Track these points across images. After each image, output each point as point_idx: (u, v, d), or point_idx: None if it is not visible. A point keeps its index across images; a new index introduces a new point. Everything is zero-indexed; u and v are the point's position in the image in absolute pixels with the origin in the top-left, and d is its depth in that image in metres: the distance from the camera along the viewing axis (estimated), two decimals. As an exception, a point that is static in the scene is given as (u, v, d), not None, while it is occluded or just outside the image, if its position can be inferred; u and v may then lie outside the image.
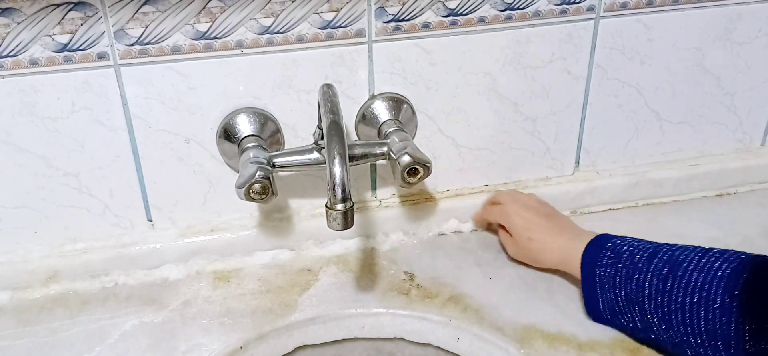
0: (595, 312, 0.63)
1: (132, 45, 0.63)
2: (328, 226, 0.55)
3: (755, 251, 0.73)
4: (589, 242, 0.64)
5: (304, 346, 0.68)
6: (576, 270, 0.65)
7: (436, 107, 0.73)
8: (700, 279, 0.54)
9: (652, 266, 0.58)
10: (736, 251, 0.56)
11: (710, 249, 0.57)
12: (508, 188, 0.79)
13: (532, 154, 0.79)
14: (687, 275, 0.55)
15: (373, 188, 0.77)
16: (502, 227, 0.73)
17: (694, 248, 0.58)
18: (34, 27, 0.60)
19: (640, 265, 0.59)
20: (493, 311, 0.66)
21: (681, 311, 0.55)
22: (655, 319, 0.57)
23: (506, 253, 0.73)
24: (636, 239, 0.63)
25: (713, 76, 0.79)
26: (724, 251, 0.56)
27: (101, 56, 0.63)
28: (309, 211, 0.76)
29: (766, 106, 0.83)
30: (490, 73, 0.72)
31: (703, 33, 0.75)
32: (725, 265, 0.54)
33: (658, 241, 0.61)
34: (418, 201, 0.78)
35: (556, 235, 0.68)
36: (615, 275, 0.60)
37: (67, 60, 0.62)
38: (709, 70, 0.78)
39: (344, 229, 0.55)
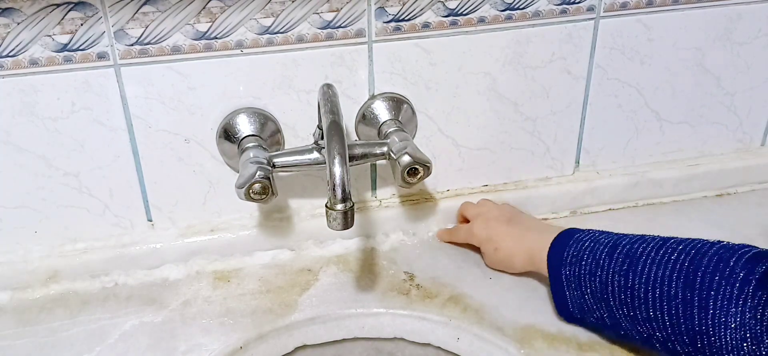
0: (565, 311, 0.63)
1: (132, 45, 0.63)
2: (328, 226, 0.55)
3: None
4: (553, 241, 0.64)
5: (304, 346, 0.68)
6: (544, 269, 0.64)
7: (436, 107, 0.73)
8: (660, 273, 0.54)
9: (613, 261, 0.58)
10: (693, 240, 0.56)
11: (667, 240, 0.57)
12: (508, 188, 0.79)
13: (532, 154, 0.79)
14: (646, 269, 0.55)
15: (373, 188, 0.77)
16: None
17: (653, 238, 0.58)
18: (34, 27, 0.60)
19: (601, 261, 0.59)
20: (493, 311, 0.67)
21: (644, 306, 0.55)
22: (622, 315, 0.57)
23: (484, 262, 0.73)
24: (598, 231, 0.62)
25: (713, 76, 0.79)
26: (680, 241, 0.56)
27: (101, 56, 0.63)
28: (309, 211, 0.76)
29: (766, 106, 0.83)
30: (490, 73, 0.72)
31: (703, 33, 0.75)
32: (683, 257, 0.54)
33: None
34: (418, 201, 0.78)
35: (520, 239, 0.68)
36: (579, 273, 0.60)
37: (67, 60, 0.62)
38: (709, 70, 0.78)
39: (344, 229, 0.55)
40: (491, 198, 0.78)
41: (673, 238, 0.57)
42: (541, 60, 0.72)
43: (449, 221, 0.78)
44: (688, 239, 0.57)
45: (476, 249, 0.74)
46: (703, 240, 0.56)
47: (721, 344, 0.50)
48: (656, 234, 0.62)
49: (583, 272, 0.60)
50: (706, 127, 0.82)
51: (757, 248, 0.54)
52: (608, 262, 0.58)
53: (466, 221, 0.75)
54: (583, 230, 0.63)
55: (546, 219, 0.80)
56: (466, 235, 0.74)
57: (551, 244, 0.64)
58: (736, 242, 0.55)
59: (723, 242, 0.55)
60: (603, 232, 0.62)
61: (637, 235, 0.60)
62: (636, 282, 0.56)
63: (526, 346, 0.63)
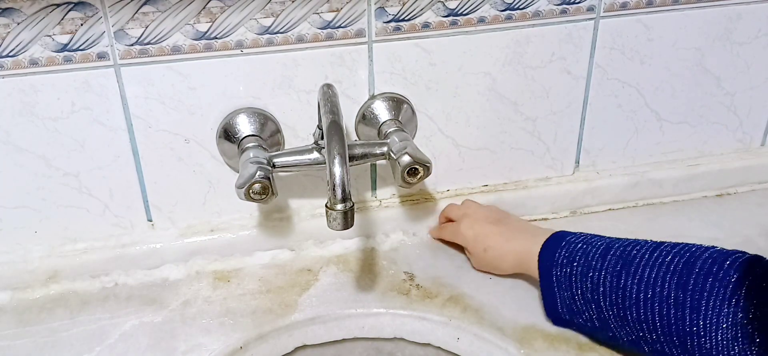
0: (554, 312, 0.63)
1: (132, 45, 0.63)
2: (328, 226, 0.55)
3: (755, 252, 0.73)
4: (544, 242, 0.64)
5: (304, 346, 0.68)
6: (534, 271, 0.64)
7: (436, 107, 0.73)
8: (653, 274, 0.55)
9: (606, 263, 0.58)
10: (687, 245, 0.56)
11: (661, 244, 0.57)
12: (507, 188, 0.79)
13: (532, 154, 0.79)
14: (639, 270, 0.55)
15: (373, 188, 0.77)
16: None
17: (646, 242, 0.58)
18: (34, 27, 0.60)
19: (594, 263, 0.59)
20: (493, 311, 0.67)
21: (636, 307, 0.55)
22: (611, 316, 0.57)
23: (471, 265, 0.72)
24: (590, 235, 0.63)
25: (713, 76, 0.79)
26: (674, 245, 0.56)
27: (101, 56, 0.63)
28: (309, 211, 0.76)
29: (766, 106, 0.83)
30: (490, 73, 0.72)
31: (703, 33, 0.75)
32: (677, 259, 0.54)
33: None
34: (418, 201, 0.78)
35: (510, 240, 0.68)
36: (571, 274, 0.60)
37: (67, 60, 0.62)
38: (709, 70, 0.78)
39: (344, 229, 0.55)
40: (491, 199, 0.78)
41: (666, 242, 0.57)
42: (541, 60, 0.72)
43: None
44: (682, 243, 0.57)
45: (462, 249, 0.73)
46: (697, 245, 0.56)
47: (711, 345, 0.51)
48: (654, 235, 0.62)
49: (574, 272, 0.60)
50: (706, 127, 0.82)
51: (750, 253, 0.54)
52: (601, 263, 0.58)
53: (450, 222, 0.75)
54: (574, 233, 0.63)
55: (546, 220, 0.80)
56: (452, 233, 0.73)
57: (543, 245, 0.64)
58: (730, 249, 0.55)
59: (717, 247, 0.55)
60: (595, 235, 0.62)
61: (630, 239, 0.60)
62: (628, 282, 0.56)
63: (526, 346, 0.63)
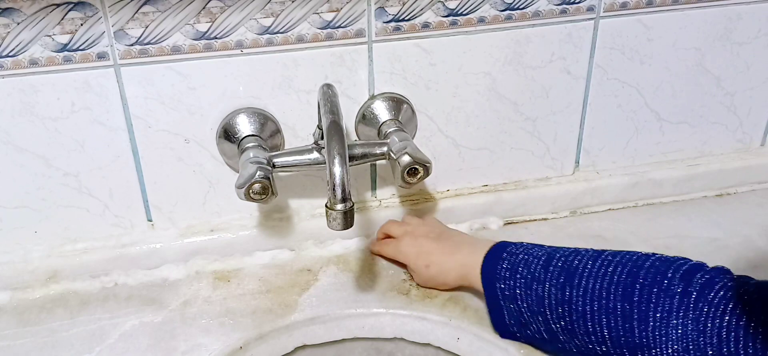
0: (501, 326, 0.62)
1: (132, 45, 0.63)
2: (328, 226, 0.55)
3: (755, 252, 0.74)
4: (486, 254, 0.62)
5: (304, 346, 0.68)
6: (478, 284, 0.63)
7: (436, 107, 0.73)
8: (598, 286, 0.54)
9: (549, 274, 0.57)
10: (629, 253, 0.56)
11: (602, 252, 0.56)
12: (507, 188, 0.79)
13: (532, 154, 0.79)
14: (583, 282, 0.55)
15: (373, 188, 0.77)
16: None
17: (587, 251, 0.57)
18: (34, 27, 0.60)
19: (537, 274, 0.58)
20: (493, 311, 0.66)
21: (583, 319, 0.54)
22: (559, 328, 0.56)
23: (414, 281, 0.70)
24: (531, 244, 0.61)
25: (713, 76, 0.79)
26: (616, 254, 0.56)
27: (101, 56, 0.63)
28: (309, 211, 0.76)
29: (766, 106, 0.83)
30: (490, 73, 0.72)
31: (703, 33, 0.75)
32: (620, 269, 0.54)
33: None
34: (418, 201, 0.78)
35: (451, 254, 0.66)
36: (515, 286, 0.59)
37: (67, 60, 0.62)
38: (709, 70, 0.78)
39: (344, 229, 0.55)
40: (491, 199, 0.78)
41: (608, 250, 0.57)
42: (541, 60, 0.72)
43: (449, 220, 0.78)
44: (624, 251, 0.56)
45: (403, 266, 0.72)
46: (639, 253, 0.56)
47: None
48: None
49: (518, 285, 0.59)
50: (706, 127, 0.82)
51: (692, 260, 0.54)
52: (544, 275, 0.57)
53: (389, 237, 0.73)
54: (515, 243, 0.62)
55: (546, 220, 0.80)
56: (393, 251, 0.71)
57: (485, 257, 0.62)
58: (671, 255, 0.55)
59: (657, 254, 0.55)
60: (535, 245, 0.61)
61: (571, 248, 0.59)
62: (573, 295, 0.55)
63: (526, 346, 0.63)
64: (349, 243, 0.76)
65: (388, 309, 0.68)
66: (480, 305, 0.67)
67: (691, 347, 0.49)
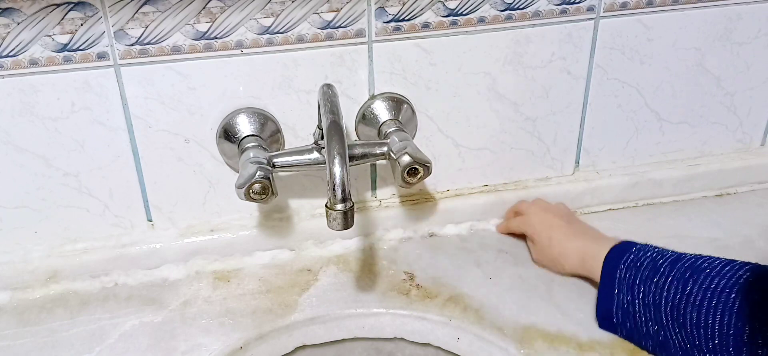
0: (607, 315, 0.63)
1: (132, 45, 0.63)
2: (328, 226, 0.55)
3: (755, 252, 0.74)
4: (614, 246, 0.64)
5: (304, 346, 0.68)
6: (595, 272, 0.65)
7: (436, 107, 0.73)
8: (721, 284, 0.55)
9: (675, 270, 0.58)
10: (761, 265, 0.56)
11: (733, 260, 0.57)
12: (507, 188, 0.79)
13: (532, 154, 0.79)
14: (708, 279, 0.56)
15: (373, 188, 0.77)
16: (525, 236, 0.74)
17: (719, 258, 0.58)
18: (34, 27, 0.60)
19: (662, 269, 0.59)
20: (493, 311, 0.67)
21: (697, 312, 0.55)
22: (670, 320, 0.57)
23: (531, 257, 0.73)
24: (660, 247, 0.63)
25: (713, 76, 0.79)
26: (747, 263, 0.56)
27: (101, 56, 0.63)
28: (309, 211, 0.76)
29: (766, 106, 0.83)
30: (490, 73, 0.72)
31: (703, 33, 0.75)
32: (748, 274, 0.54)
33: (675, 249, 0.61)
34: (418, 201, 0.78)
35: (575, 238, 0.68)
36: (635, 277, 0.61)
37: (67, 60, 0.62)
38: (709, 70, 0.78)
39: (344, 229, 0.55)
40: (491, 199, 0.78)
41: (740, 261, 0.57)
42: (541, 60, 0.72)
43: (449, 220, 0.78)
44: (757, 263, 0.56)
45: (522, 238, 0.75)
46: None
47: None
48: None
49: (640, 276, 0.60)
50: (706, 127, 0.82)
51: None
52: (669, 270, 0.59)
53: (518, 215, 0.76)
54: (643, 244, 0.64)
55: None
56: (521, 222, 0.74)
57: (612, 248, 0.64)
58: None
59: None
60: (665, 249, 0.63)
61: (702, 254, 0.60)
62: (694, 289, 0.56)
63: (526, 346, 0.63)
64: (349, 243, 0.76)
65: (388, 309, 0.68)
66: (480, 305, 0.67)
67: None
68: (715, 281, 0.55)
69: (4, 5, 0.58)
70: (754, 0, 0.74)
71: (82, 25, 0.61)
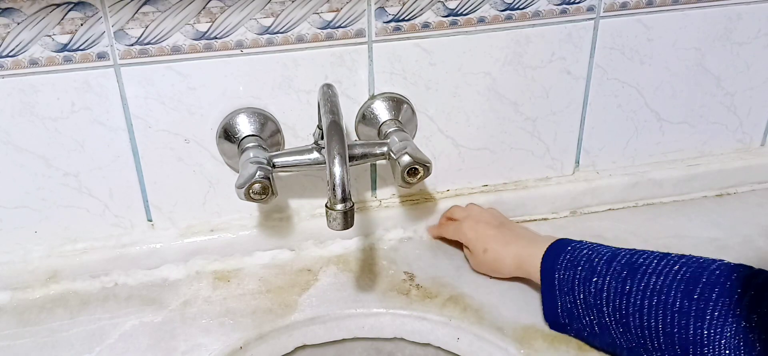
0: (553, 316, 0.63)
1: (132, 45, 0.63)
2: (328, 226, 0.55)
3: (755, 251, 0.74)
4: (548, 247, 0.64)
5: (304, 346, 0.68)
6: (534, 275, 0.64)
7: (436, 107, 0.73)
8: (659, 282, 0.54)
9: (611, 268, 0.58)
10: (695, 257, 0.56)
11: (668, 254, 0.57)
12: (507, 188, 0.79)
13: (532, 154, 0.79)
14: (645, 277, 0.55)
15: (373, 188, 0.77)
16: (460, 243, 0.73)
17: (653, 252, 0.58)
18: (34, 27, 0.60)
19: (598, 268, 0.59)
20: (493, 311, 0.67)
21: (639, 313, 0.55)
22: (613, 322, 0.57)
23: (469, 266, 0.72)
24: (595, 243, 0.63)
25: (713, 76, 0.79)
26: (682, 256, 0.56)
27: (101, 56, 0.63)
28: (309, 211, 0.76)
29: (766, 106, 0.83)
30: (490, 73, 0.72)
31: (703, 33, 0.75)
32: (684, 269, 0.54)
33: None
34: (418, 201, 0.78)
35: (510, 243, 0.68)
36: (573, 278, 0.60)
37: (67, 60, 0.62)
38: (709, 70, 0.78)
39: (344, 229, 0.55)
40: (491, 199, 0.78)
41: (673, 253, 0.57)
42: (541, 60, 0.72)
43: (449, 221, 0.78)
44: (691, 255, 0.57)
45: (461, 247, 0.74)
46: (705, 257, 0.56)
47: (713, 354, 0.50)
48: (654, 235, 0.62)
49: (578, 276, 0.60)
50: (706, 127, 0.82)
51: (756, 268, 0.54)
52: (606, 269, 0.58)
53: (452, 221, 0.75)
54: (579, 241, 0.64)
55: (545, 220, 0.80)
56: (454, 232, 0.73)
57: (548, 249, 0.64)
58: (738, 263, 0.55)
59: (724, 260, 0.55)
60: (600, 244, 0.62)
61: (636, 249, 0.60)
62: (633, 289, 0.56)
63: (526, 346, 0.63)
64: (349, 243, 0.76)
65: (388, 309, 0.68)
66: (480, 305, 0.67)
67: (742, 344, 0.49)
68: (653, 279, 0.55)
69: (4, 5, 0.58)
70: (754, 0, 0.74)
71: (82, 25, 0.61)
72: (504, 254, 0.68)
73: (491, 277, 0.70)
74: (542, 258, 0.64)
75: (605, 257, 0.59)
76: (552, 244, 0.64)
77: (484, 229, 0.70)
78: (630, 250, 0.60)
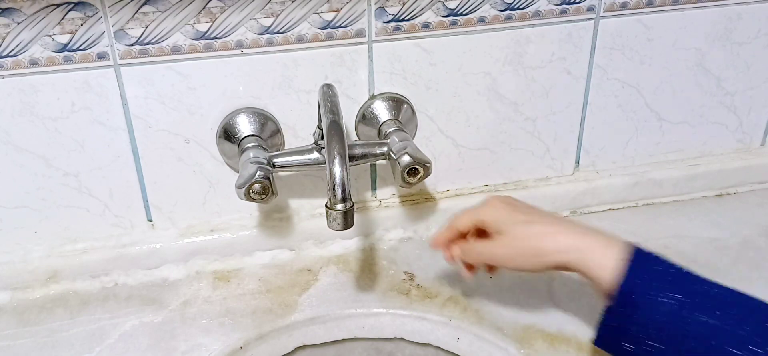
0: (610, 343, 0.53)
1: (132, 45, 0.63)
2: (328, 226, 0.55)
3: (755, 252, 0.74)
4: (633, 256, 0.51)
5: (304, 346, 0.68)
6: (591, 272, 0.52)
7: (436, 107, 0.73)
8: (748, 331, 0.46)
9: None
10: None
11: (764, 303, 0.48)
12: (507, 188, 0.79)
13: (532, 154, 0.79)
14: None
15: (373, 188, 0.77)
16: (480, 235, 0.60)
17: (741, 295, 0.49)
18: (34, 27, 0.60)
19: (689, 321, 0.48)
20: (493, 311, 0.67)
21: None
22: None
23: (492, 254, 0.59)
24: (685, 270, 0.51)
25: (713, 76, 0.79)
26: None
27: (101, 56, 0.63)
28: (309, 211, 0.76)
29: (766, 106, 0.83)
30: (490, 73, 0.72)
31: (703, 33, 0.75)
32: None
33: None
34: (418, 201, 0.78)
35: (557, 222, 0.56)
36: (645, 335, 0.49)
37: (67, 60, 0.62)
38: (709, 70, 0.78)
39: (344, 229, 0.55)
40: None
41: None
42: (541, 60, 0.72)
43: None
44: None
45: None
46: None
47: None
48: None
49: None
50: (706, 127, 0.82)
51: None
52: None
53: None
54: (656, 257, 0.51)
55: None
56: (470, 216, 0.60)
57: (632, 261, 0.50)
58: None
59: None
60: (692, 273, 0.50)
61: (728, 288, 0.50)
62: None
63: (526, 346, 0.63)
64: (349, 243, 0.76)
65: (388, 309, 0.68)
66: (480, 305, 0.67)
67: None
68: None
69: (4, 5, 0.58)
70: (754, 0, 0.74)
71: (82, 25, 0.61)
72: (552, 230, 0.54)
73: (517, 269, 0.57)
74: (627, 273, 0.50)
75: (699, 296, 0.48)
76: (634, 255, 0.51)
77: (517, 202, 0.59)
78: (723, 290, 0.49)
